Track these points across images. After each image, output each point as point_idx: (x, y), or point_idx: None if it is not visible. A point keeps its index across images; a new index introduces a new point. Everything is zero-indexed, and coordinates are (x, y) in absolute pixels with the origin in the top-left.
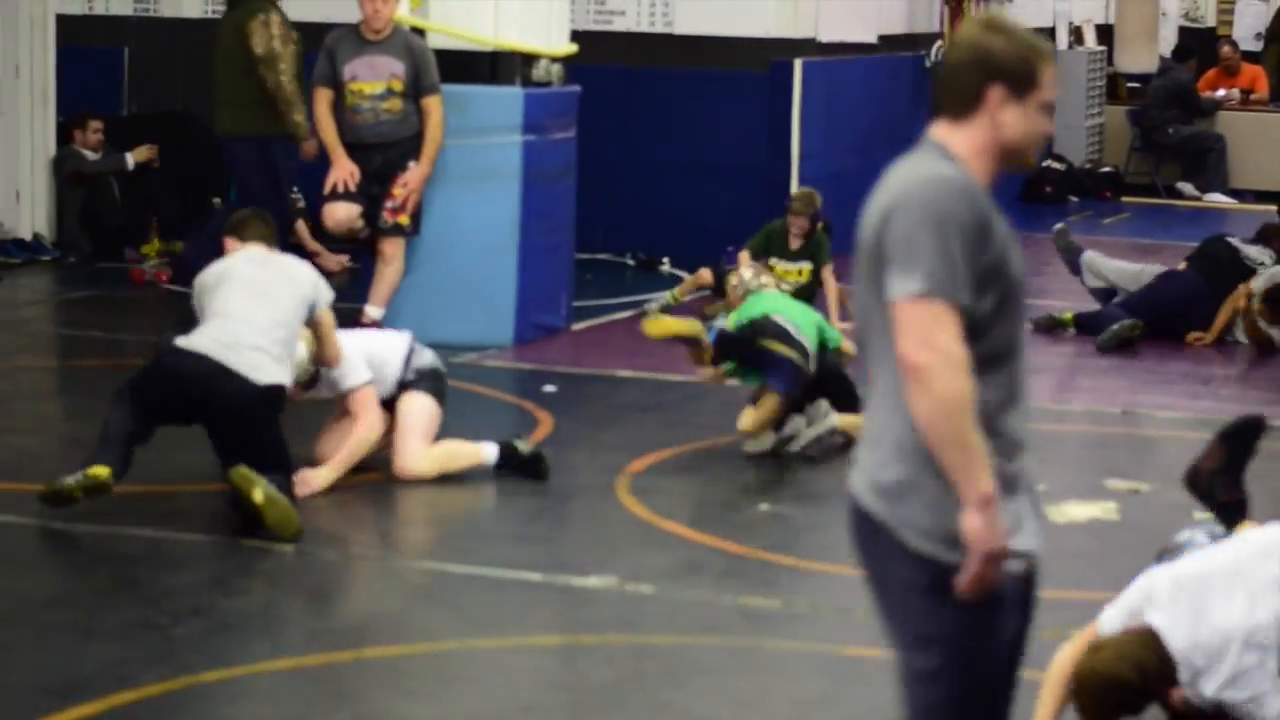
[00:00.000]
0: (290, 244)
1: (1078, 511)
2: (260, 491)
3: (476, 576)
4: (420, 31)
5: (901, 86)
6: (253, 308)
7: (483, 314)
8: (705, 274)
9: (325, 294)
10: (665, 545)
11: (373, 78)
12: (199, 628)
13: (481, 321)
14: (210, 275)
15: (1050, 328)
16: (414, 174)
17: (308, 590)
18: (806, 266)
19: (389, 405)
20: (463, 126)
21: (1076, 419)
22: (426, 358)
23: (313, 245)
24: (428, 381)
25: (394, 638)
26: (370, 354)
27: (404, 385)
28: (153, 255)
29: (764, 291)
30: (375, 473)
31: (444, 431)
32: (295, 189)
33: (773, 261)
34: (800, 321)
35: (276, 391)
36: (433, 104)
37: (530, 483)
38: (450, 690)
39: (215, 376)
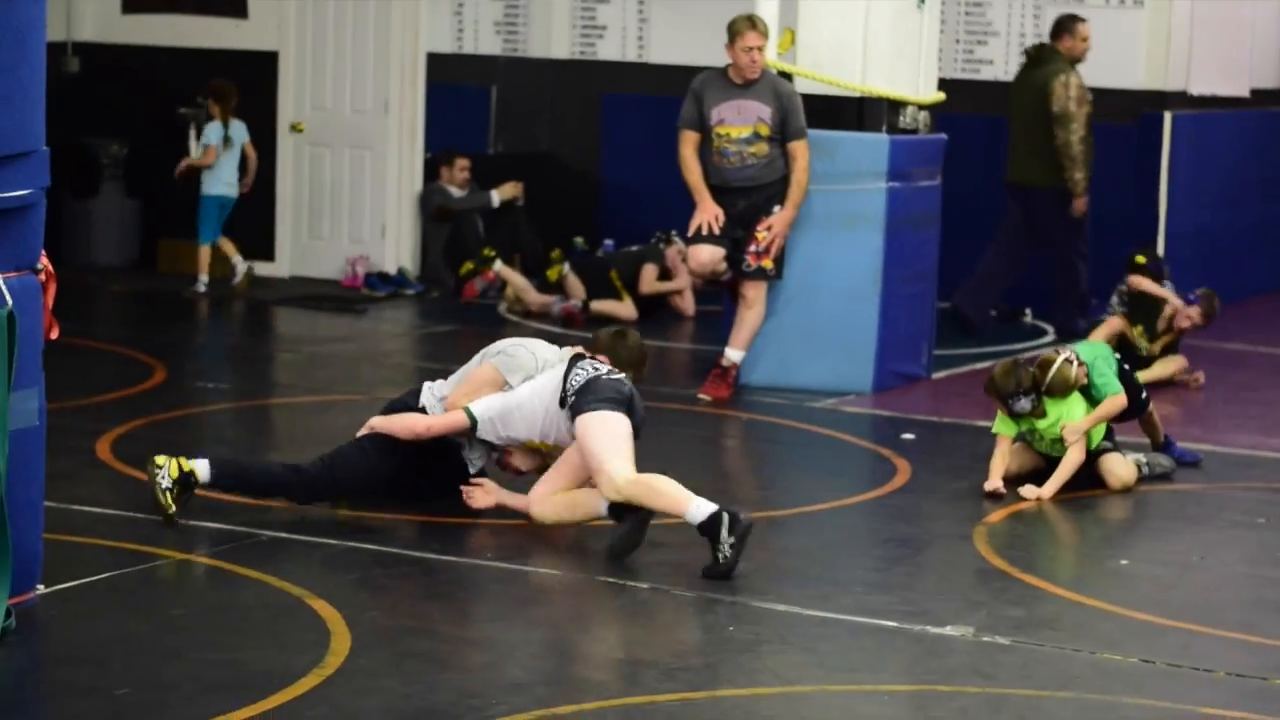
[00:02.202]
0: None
1: None
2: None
3: (831, 620)
4: (788, 76)
5: (1275, 142)
6: None
7: (843, 360)
8: None
9: None
10: (1022, 597)
11: (740, 122)
12: (554, 661)
13: (841, 367)
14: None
15: None
16: (779, 218)
17: (662, 628)
18: None
19: None
20: (828, 172)
21: None
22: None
23: (650, 288)
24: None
25: (748, 679)
26: None
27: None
28: (470, 266)
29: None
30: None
31: (795, 472)
32: (674, 232)
33: None
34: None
35: None
36: (799, 148)
37: (888, 528)
38: None
39: None
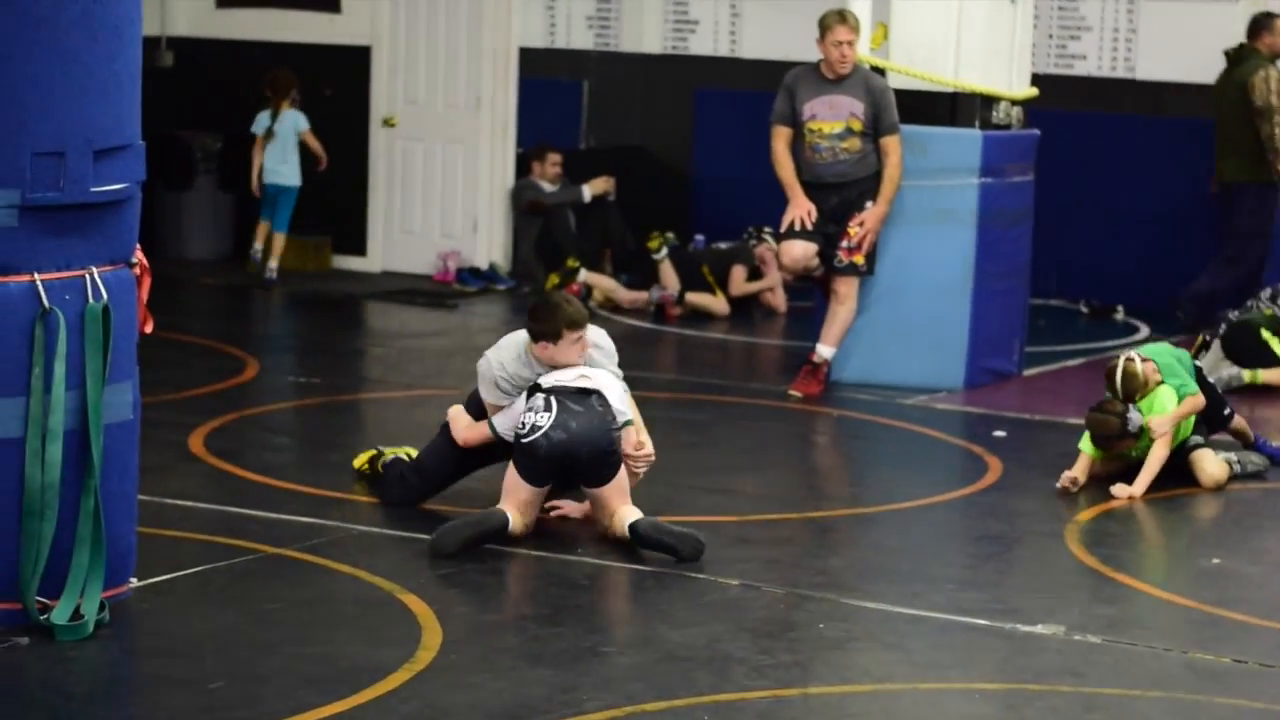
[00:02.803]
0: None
1: None
2: None
3: (922, 618)
4: (880, 71)
5: None
6: None
7: (934, 356)
8: None
9: None
10: (1114, 596)
11: (832, 117)
12: (644, 657)
13: (932, 364)
14: None
15: None
16: (871, 214)
17: (752, 624)
18: None
19: None
20: (920, 167)
21: None
22: None
23: (740, 289)
24: None
25: (839, 677)
26: None
27: None
28: (555, 280)
29: None
30: (818, 510)
31: (885, 469)
32: (766, 228)
33: None
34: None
35: None
36: (892, 144)
37: (979, 526)
38: None
39: None
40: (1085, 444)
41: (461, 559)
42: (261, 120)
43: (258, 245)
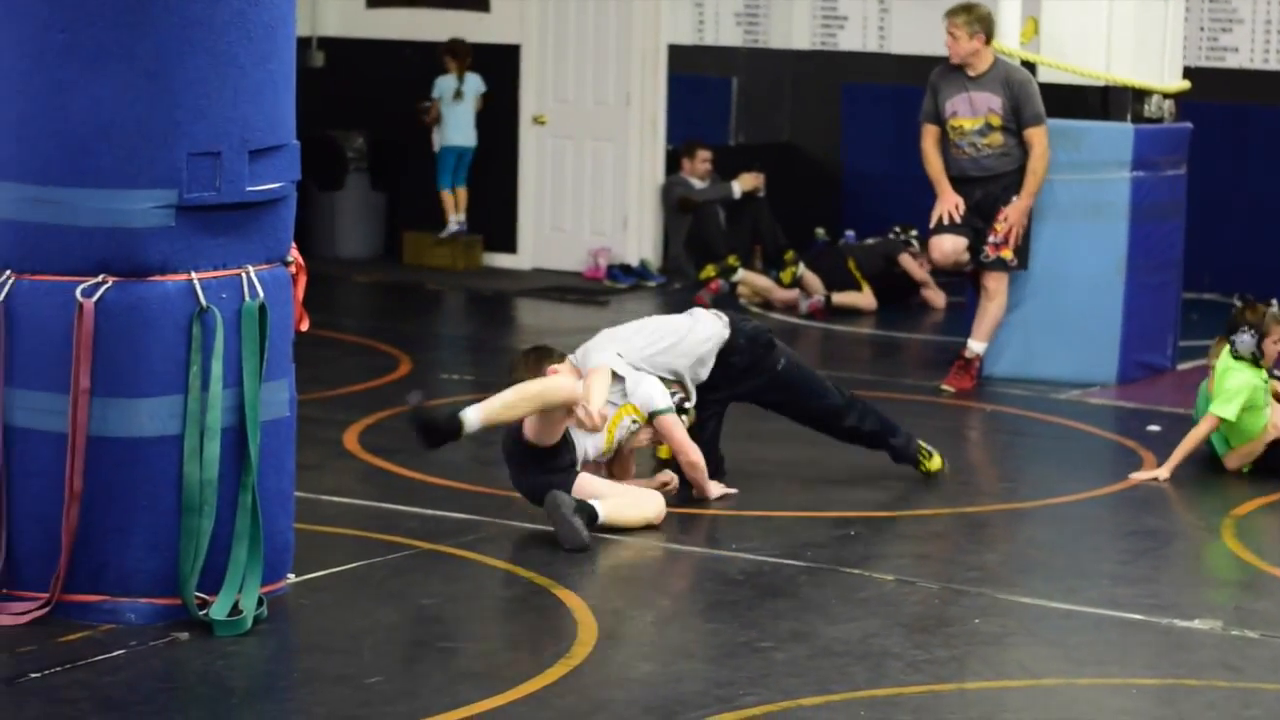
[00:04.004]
0: (897, 274)
1: None
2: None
3: (1077, 613)
4: (1031, 65)
5: None
6: None
7: (1087, 351)
8: None
9: None
10: (1272, 590)
11: (971, 114)
12: (800, 652)
13: (1085, 358)
14: None
15: None
16: (1014, 207)
17: (908, 620)
18: None
19: None
20: (1072, 162)
21: None
22: None
23: (920, 275)
24: None
25: (995, 672)
26: None
27: None
28: (711, 273)
29: None
30: (972, 505)
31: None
32: (912, 231)
33: None
34: None
35: None
36: (1035, 135)
37: (1134, 521)
38: None
39: None
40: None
41: (614, 553)
42: (447, 83)
43: (459, 216)
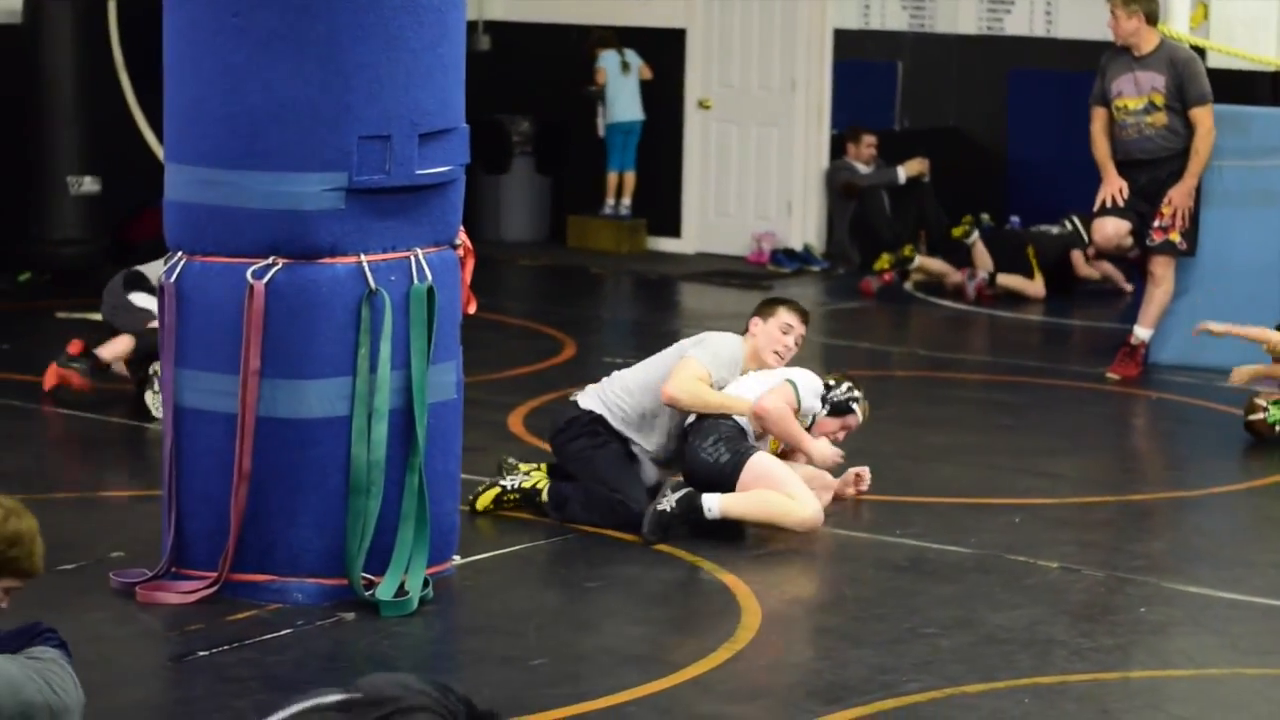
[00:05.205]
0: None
1: None
2: None
3: (1244, 603)
4: (1201, 50)
5: None
6: None
7: None
8: None
9: None
10: None
11: (1135, 93)
12: (965, 639)
13: (1252, 345)
14: None
15: None
16: (1177, 189)
17: (1073, 607)
18: None
19: None
20: (1242, 148)
21: None
22: None
23: (1085, 271)
24: None
25: (1160, 661)
26: None
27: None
28: (886, 263)
29: None
30: (1137, 494)
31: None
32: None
33: None
34: None
35: None
36: (1200, 115)
37: None
38: (1214, 717)
39: None
40: None
41: (773, 539)
42: (612, 57)
43: (626, 201)
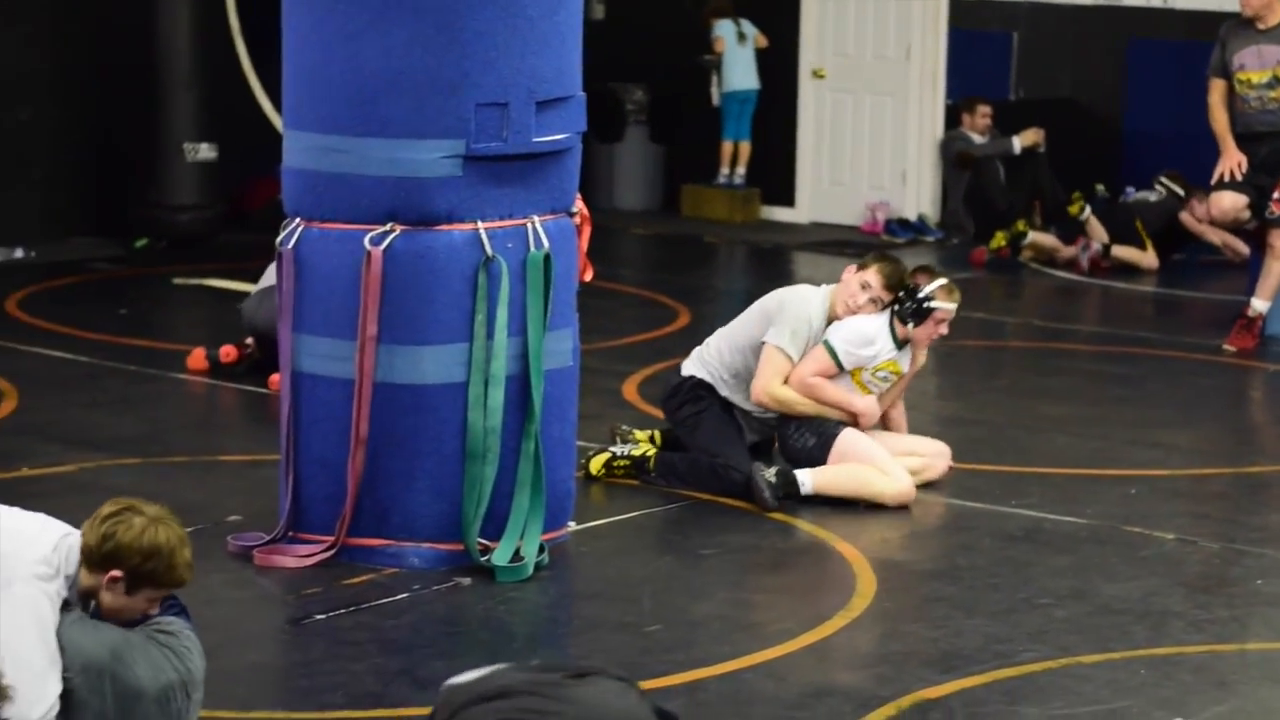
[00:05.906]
0: (1179, 231)
1: None
2: None
3: None
4: None
5: None
6: None
7: None
8: None
9: None
10: None
11: (1259, 66)
12: (1079, 610)
13: None
14: None
15: None
16: None
17: (1189, 579)
18: None
19: None
20: None
21: None
22: None
23: (1196, 228)
24: None
25: (1276, 633)
26: None
27: None
28: (1001, 241)
29: None
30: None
31: None
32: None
33: None
34: None
35: None
36: None
37: None
38: None
39: None
40: None
41: (889, 511)
42: (728, 26)
43: (740, 170)
